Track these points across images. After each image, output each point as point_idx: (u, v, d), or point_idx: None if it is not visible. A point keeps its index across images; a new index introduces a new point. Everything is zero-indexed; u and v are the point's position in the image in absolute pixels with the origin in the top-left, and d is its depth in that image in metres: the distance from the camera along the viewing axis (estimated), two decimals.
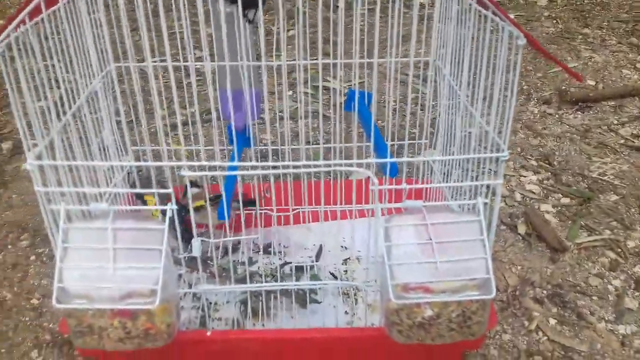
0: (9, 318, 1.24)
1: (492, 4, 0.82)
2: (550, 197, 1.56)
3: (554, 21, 2.69)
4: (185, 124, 1.87)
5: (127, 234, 0.88)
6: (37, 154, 0.88)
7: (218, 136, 1.18)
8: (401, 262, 0.87)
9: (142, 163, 0.99)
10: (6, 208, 1.60)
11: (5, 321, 1.23)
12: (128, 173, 1.22)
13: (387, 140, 1.26)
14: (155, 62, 1.04)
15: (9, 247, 1.45)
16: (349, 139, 1.76)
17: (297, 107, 1.90)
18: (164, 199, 1.11)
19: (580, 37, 2.54)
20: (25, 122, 0.85)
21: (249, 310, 1.11)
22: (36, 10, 0.84)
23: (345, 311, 1.14)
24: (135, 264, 0.85)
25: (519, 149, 1.76)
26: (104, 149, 1.18)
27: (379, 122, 1.89)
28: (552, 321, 1.20)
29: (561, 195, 1.57)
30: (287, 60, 1.13)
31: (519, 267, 1.33)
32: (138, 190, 0.98)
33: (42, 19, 0.86)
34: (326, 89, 2.05)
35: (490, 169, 0.94)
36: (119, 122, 1.22)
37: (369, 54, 1.22)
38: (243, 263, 1.22)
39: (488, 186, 0.93)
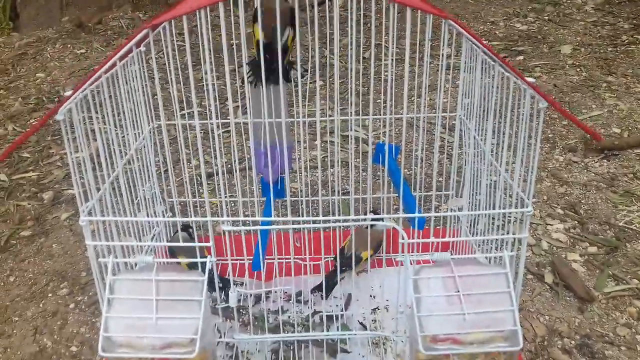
0: None
1: (515, 72, 0.87)
2: (577, 246, 1.57)
3: (578, 69, 2.73)
4: (217, 174, 1.94)
5: (168, 285, 0.93)
6: (89, 210, 0.94)
7: (251, 187, 1.24)
8: (430, 314, 0.89)
9: (185, 219, 1.05)
10: (47, 257, 1.67)
11: None
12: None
13: (414, 191, 1.30)
14: (192, 120, 1.11)
15: (49, 295, 1.51)
16: (376, 187, 1.81)
17: (326, 157, 1.96)
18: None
19: (604, 85, 2.57)
20: (76, 177, 0.92)
21: (281, 359, 1.14)
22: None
23: None
24: (176, 315, 0.90)
25: (544, 197, 1.78)
26: (145, 199, 1.25)
27: (406, 170, 1.94)
28: None
29: (588, 244, 1.58)
30: (318, 115, 1.19)
31: (546, 317, 1.34)
32: (179, 244, 1.03)
33: (102, 84, 0.93)
34: (355, 138, 2.11)
35: (516, 218, 0.98)
36: (159, 174, 1.29)
37: (396, 104, 1.27)
38: (275, 312, 1.26)
39: (513, 238, 0.96)
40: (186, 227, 1.30)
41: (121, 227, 1.06)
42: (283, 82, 1.12)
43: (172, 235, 1.32)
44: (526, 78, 0.85)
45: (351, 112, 1.26)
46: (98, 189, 0.98)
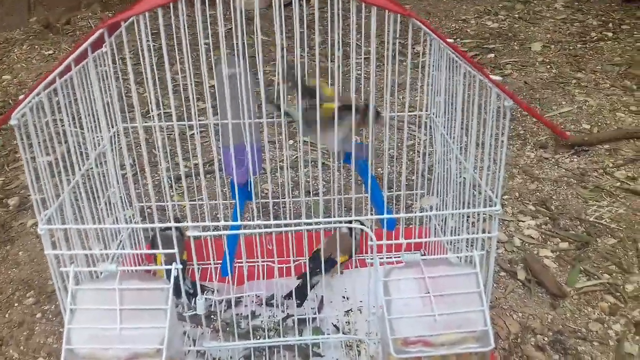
0: None
1: (480, 71, 0.87)
2: (549, 242, 1.58)
3: (548, 66, 2.76)
4: (187, 176, 1.91)
5: (133, 294, 0.90)
6: (48, 218, 0.91)
7: (220, 189, 1.21)
8: (400, 316, 0.88)
9: (148, 225, 1.02)
10: (12, 265, 1.62)
11: None
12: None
13: (384, 190, 1.30)
14: (160, 120, 1.08)
15: (15, 304, 1.46)
16: (347, 187, 1.80)
17: (297, 157, 1.94)
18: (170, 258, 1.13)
19: (574, 81, 2.60)
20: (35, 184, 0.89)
21: None
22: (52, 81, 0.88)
23: None
24: (141, 324, 0.87)
25: (516, 194, 1.79)
26: (109, 205, 1.22)
27: (379, 169, 1.93)
28: None
29: (559, 240, 1.59)
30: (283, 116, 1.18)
31: (519, 314, 1.34)
32: (143, 251, 1.00)
33: (55, 89, 0.90)
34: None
35: (480, 220, 0.97)
36: (124, 178, 1.26)
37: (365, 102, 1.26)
38: (246, 317, 1.24)
39: (475, 241, 0.96)
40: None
41: (84, 235, 1.03)
42: (250, 82, 1.10)
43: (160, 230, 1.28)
44: (491, 76, 0.85)
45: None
46: (58, 196, 0.95)
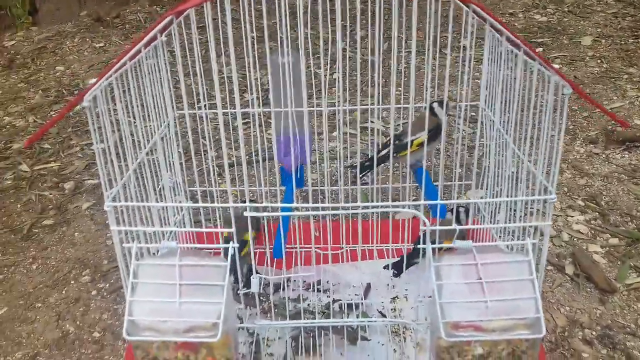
0: (73, 351, 1.31)
1: (538, 56, 0.87)
2: (598, 238, 1.56)
3: (599, 61, 2.70)
4: (238, 164, 1.94)
5: (191, 270, 0.94)
6: (113, 196, 0.95)
7: (271, 176, 1.24)
8: (452, 301, 0.89)
9: (209, 205, 1.06)
10: (69, 245, 1.69)
11: (69, 353, 1.30)
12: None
13: (435, 182, 1.30)
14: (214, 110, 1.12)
15: (72, 282, 1.53)
16: (396, 178, 1.80)
17: (343, 148, 1.96)
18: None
19: (625, 76, 2.54)
20: (101, 165, 0.93)
21: (300, 346, 1.15)
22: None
23: (394, 349, 1.16)
24: (199, 299, 0.91)
25: (565, 189, 1.77)
26: (164, 189, 1.26)
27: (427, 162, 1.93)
28: None
29: (609, 236, 1.56)
30: (330, 105, 1.20)
31: (567, 308, 1.33)
32: (203, 229, 1.04)
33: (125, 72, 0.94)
34: (370, 129, 2.11)
35: (537, 209, 0.97)
36: (181, 164, 1.30)
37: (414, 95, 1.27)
38: (294, 300, 1.27)
39: (535, 227, 0.95)
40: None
41: (144, 214, 1.07)
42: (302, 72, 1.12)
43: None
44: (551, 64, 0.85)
45: (371, 102, 1.26)
46: (122, 177, 0.99)
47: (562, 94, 0.86)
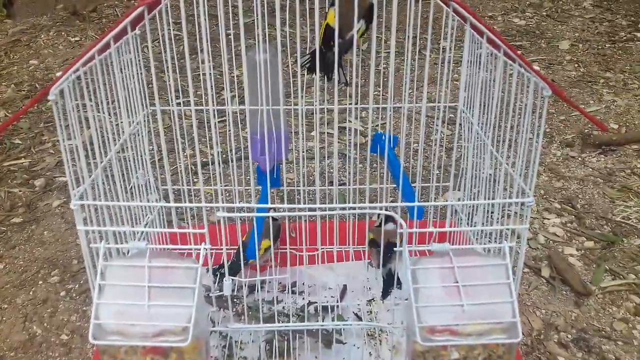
0: (39, 353, 1.27)
1: (518, 56, 0.86)
2: (574, 241, 1.57)
3: (576, 65, 2.73)
4: (212, 163, 1.92)
5: (162, 271, 0.91)
6: (80, 194, 0.92)
7: (246, 176, 1.22)
8: (428, 305, 0.88)
9: (180, 205, 1.03)
10: (38, 244, 1.64)
11: (35, 356, 1.26)
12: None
13: (412, 183, 1.29)
14: (186, 106, 1.09)
15: (40, 282, 1.48)
16: (372, 178, 1.79)
17: (320, 148, 1.94)
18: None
19: (602, 80, 2.56)
20: (68, 163, 0.89)
21: (274, 349, 1.13)
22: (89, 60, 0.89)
23: (370, 352, 1.15)
24: (169, 302, 0.88)
25: (542, 192, 1.78)
26: (137, 187, 1.23)
27: (404, 163, 1.92)
28: None
29: (585, 239, 1.57)
30: (308, 104, 1.18)
31: (543, 311, 1.33)
32: (172, 230, 1.01)
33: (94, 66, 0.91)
34: (348, 129, 2.09)
35: (515, 212, 0.96)
36: (152, 162, 1.27)
37: (393, 96, 1.26)
38: (269, 302, 1.24)
39: (513, 230, 0.94)
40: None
41: (114, 214, 1.04)
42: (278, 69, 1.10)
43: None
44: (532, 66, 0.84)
45: (350, 102, 1.24)
46: (90, 175, 0.96)
47: (542, 96, 0.85)
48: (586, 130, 2.14)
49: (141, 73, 1.15)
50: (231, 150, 1.19)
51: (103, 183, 0.99)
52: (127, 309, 0.88)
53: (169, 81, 1.14)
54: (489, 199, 1.11)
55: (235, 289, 1.23)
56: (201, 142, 2.01)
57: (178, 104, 1.23)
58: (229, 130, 1.12)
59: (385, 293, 1.23)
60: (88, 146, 0.94)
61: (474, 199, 1.21)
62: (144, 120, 1.22)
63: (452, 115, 2.00)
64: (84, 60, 0.86)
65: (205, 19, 0.94)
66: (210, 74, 0.88)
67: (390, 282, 1.22)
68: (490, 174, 1.11)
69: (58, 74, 0.85)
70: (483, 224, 1.14)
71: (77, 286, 1.46)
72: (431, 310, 0.88)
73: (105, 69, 0.95)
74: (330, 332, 1.15)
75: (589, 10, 3.38)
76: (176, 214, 1.34)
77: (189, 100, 0.96)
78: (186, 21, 0.87)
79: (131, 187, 1.16)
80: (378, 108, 1.43)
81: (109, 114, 1.01)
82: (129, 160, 1.15)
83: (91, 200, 0.95)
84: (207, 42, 0.92)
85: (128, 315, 0.88)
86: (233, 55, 1.12)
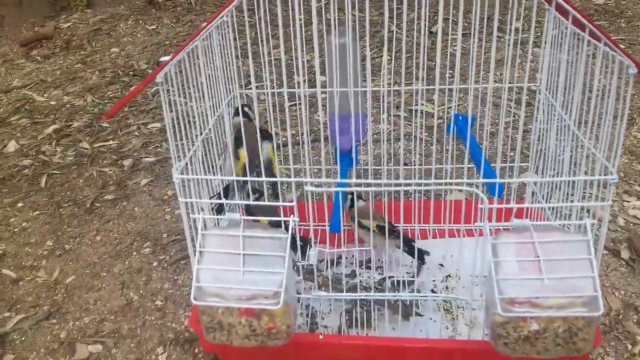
0: (137, 317, 1.38)
1: (604, 35, 0.87)
2: None
3: None
4: (299, 144, 1.97)
5: (254, 241, 0.98)
6: (181, 169, 1.00)
7: (325, 155, 1.27)
8: (508, 278, 0.91)
9: (272, 179, 1.10)
10: (129, 219, 1.76)
11: (133, 320, 1.37)
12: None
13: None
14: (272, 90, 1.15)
15: (134, 254, 1.60)
16: (445, 160, 1.81)
17: (392, 130, 1.97)
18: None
19: None
20: (172, 139, 0.97)
21: (354, 319, 1.18)
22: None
23: (446, 326, 1.19)
24: (262, 269, 0.95)
25: (622, 174, 1.74)
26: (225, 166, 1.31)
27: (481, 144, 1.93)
28: None
29: None
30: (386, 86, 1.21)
31: (622, 292, 1.32)
32: (266, 203, 1.08)
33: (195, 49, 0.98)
34: (421, 112, 2.11)
35: (592, 194, 0.97)
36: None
37: (464, 78, 1.27)
38: (348, 275, 1.30)
39: (589, 210, 0.95)
40: (243, 111, 1.27)
41: (209, 188, 1.12)
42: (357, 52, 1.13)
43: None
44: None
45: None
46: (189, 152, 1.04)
47: (627, 75, 0.85)
48: None
49: (231, 59, 1.22)
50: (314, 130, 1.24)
51: (201, 158, 1.08)
52: (224, 274, 0.96)
53: (261, 65, 1.20)
54: (570, 181, 1.11)
55: (318, 262, 1.29)
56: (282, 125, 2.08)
57: (265, 88, 1.30)
58: (301, 114, 1.17)
59: (421, 257, 1.28)
60: (185, 127, 1.02)
61: (553, 182, 1.21)
62: (232, 101, 1.29)
63: (528, 97, 1.98)
64: (186, 49, 0.93)
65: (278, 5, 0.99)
66: (299, 58, 0.93)
67: (415, 250, 1.26)
68: (571, 156, 1.12)
69: (164, 58, 0.93)
70: (563, 202, 1.14)
71: (167, 257, 1.56)
72: (511, 283, 0.91)
73: (203, 54, 1.03)
74: (408, 305, 1.19)
75: None
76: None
77: (274, 85, 1.02)
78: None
79: (221, 165, 1.24)
80: (451, 90, 1.44)
81: (207, 96, 1.08)
82: (222, 139, 1.23)
83: (191, 174, 1.03)
84: (280, 27, 0.97)
85: (225, 280, 0.96)
86: (304, 40, 1.17)
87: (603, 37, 0.89)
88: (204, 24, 1.01)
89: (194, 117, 1.05)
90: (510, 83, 1.29)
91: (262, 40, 1.14)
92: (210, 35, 1.11)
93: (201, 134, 1.09)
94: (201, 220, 1.00)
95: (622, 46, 0.85)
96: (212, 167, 1.17)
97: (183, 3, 3.86)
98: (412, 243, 1.27)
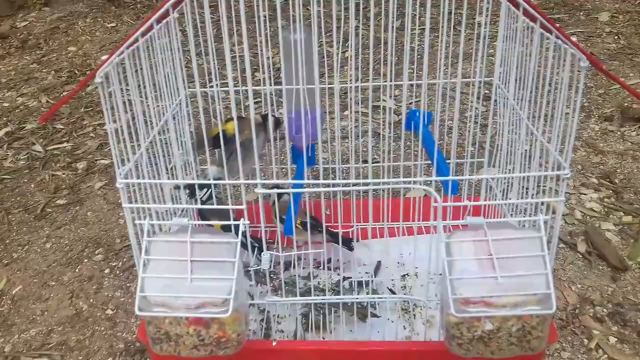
0: (86, 327, 1.33)
1: (555, 27, 0.85)
2: (611, 216, 1.55)
3: (616, 37, 2.65)
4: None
5: (203, 247, 0.94)
6: (125, 174, 0.95)
7: (282, 155, 1.24)
8: (462, 277, 0.89)
9: (220, 181, 1.06)
10: (82, 224, 1.71)
11: (82, 330, 1.32)
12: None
13: (447, 159, 1.29)
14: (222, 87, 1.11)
15: (85, 260, 1.55)
16: (406, 156, 1.80)
17: (352, 127, 1.95)
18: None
19: None
20: (114, 144, 0.93)
21: (310, 322, 1.16)
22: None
23: (404, 326, 1.17)
24: (210, 275, 0.91)
25: (579, 167, 1.75)
26: (175, 169, 1.26)
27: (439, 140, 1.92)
28: (612, 339, 1.19)
29: (622, 214, 1.55)
30: (342, 83, 1.19)
31: (578, 286, 1.32)
32: (215, 206, 1.04)
33: (138, 48, 0.93)
34: (382, 107, 2.09)
35: (550, 188, 0.96)
36: (193, 143, 1.30)
37: (427, 73, 1.26)
38: (304, 277, 1.27)
39: (547, 205, 0.94)
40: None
41: (156, 192, 1.07)
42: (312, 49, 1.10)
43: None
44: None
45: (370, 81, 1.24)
46: (134, 155, 0.99)
47: (579, 69, 0.84)
48: (625, 104, 2.09)
49: (181, 55, 1.18)
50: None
51: (146, 162, 1.03)
52: (171, 283, 0.92)
53: (208, 63, 1.16)
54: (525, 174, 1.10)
55: (272, 265, 1.26)
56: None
57: (216, 86, 1.26)
58: (265, 111, 1.14)
59: (347, 244, 1.27)
60: (132, 128, 0.98)
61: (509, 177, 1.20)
62: (185, 102, 1.25)
63: (488, 92, 1.98)
64: (128, 43, 0.89)
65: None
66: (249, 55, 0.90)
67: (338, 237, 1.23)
68: (525, 150, 1.11)
69: (103, 57, 0.88)
70: (517, 199, 1.14)
71: (120, 264, 1.51)
72: (465, 283, 0.89)
73: (147, 53, 0.98)
74: (365, 306, 1.17)
75: None
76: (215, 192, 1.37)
77: (226, 83, 0.98)
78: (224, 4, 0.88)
79: (172, 167, 1.20)
80: (412, 85, 1.43)
81: (151, 97, 1.04)
82: (170, 142, 1.18)
83: (135, 179, 0.98)
84: (243, 23, 0.94)
85: (172, 288, 0.92)
86: (268, 36, 1.14)
87: (554, 30, 0.87)
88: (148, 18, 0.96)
89: (144, 117, 1.01)
90: (466, 78, 1.28)
91: (208, 39, 1.11)
92: (160, 32, 1.06)
93: (148, 137, 1.04)
94: (146, 226, 0.95)
95: (574, 39, 0.84)
96: (166, 170, 1.12)
97: (143, 0, 3.78)
98: (335, 233, 1.25)
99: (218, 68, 1.16)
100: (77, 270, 1.51)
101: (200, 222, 1.24)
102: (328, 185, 0.97)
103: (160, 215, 1.07)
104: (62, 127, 2.31)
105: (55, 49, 3.20)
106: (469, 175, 1.44)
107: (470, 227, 0.94)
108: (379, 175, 1.29)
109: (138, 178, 1.00)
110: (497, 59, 1.24)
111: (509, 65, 1.16)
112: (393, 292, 1.25)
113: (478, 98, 1.83)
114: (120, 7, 3.71)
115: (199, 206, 1.02)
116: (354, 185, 0.96)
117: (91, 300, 1.40)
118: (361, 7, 1.14)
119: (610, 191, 1.64)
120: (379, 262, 1.32)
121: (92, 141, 2.18)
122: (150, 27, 0.94)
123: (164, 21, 1.04)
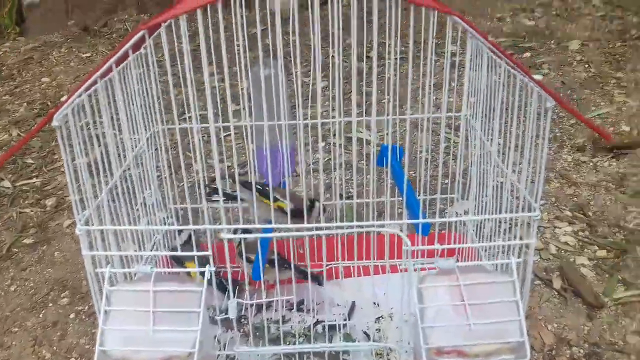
0: None
1: (522, 69, 0.85)
2: (586, 250, 1.54)
3: (586, 65, 2.69)
4: (222, 178, 1.90)
5: (167, 296, 0.90)
6: (86, 219, 0.92)
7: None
8: (434, 325, 0.87)
9: (183, 227, 1.03)
10: (48, 265, 1.65)
11: None
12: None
13: (418, 194, 1.28)
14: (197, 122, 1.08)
15: (50, 305, 1.49)
16: (381, 189, 1.78)
17: (329, 159, 1.93)
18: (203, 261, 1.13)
19: (613, 81, 2.52)
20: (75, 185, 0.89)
21: None
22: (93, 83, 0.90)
23: None
24: (174, 327, 0.88)
25: (553, 199, 1.75)
26: (145, 207, 1.23)
27: (412, 172, 1.91)
28: None
29: (597, 248, 1.54)
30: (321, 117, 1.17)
31: (555, 325, 1.30)
32: (179, 253, 1.01)
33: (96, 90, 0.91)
34: (359, 139, 2.08)
35: (523, 222, 0.95)
36: (159, 179, 1.27)
37: (401, 103, 1.25)
38: (276, 321, 1.24)
39: (519, 246, 0.93)
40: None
41: (120, 235, 1.04)
42: (283, 84, 1.09)
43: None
44: (533, 76, 0.83)
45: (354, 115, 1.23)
46: (96, 197, 0.96)
47: (545, 108, 0.84)
48: (597, 134, 2.10)
49: (144, 95, 1.15)
50: (238, 165, 1.19)
51: (109, 206, 1.00)
52: (133, 335, 0.88)
53: (175, 97, 1.14)
54: (497, 208, 1.09)
55: (242, 309, 1.22)
56: (209, 157, 2.01)
57: (183, 121, 1.23)
58: (233, 147, 1.10)
59: (317, 280, 1.27)
60: (94, 169, 0.94)
61: (483, 208, 1.19)
62: (152, 139, 1.22)
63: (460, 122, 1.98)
64: (86, 85, 0.86)
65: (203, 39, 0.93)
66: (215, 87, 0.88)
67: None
68: (496, 183, 1.10)
69: (63, 98, 0.86)
70: (490, 236, 1.12)
71: (86, 308, 1.46)
72: (438, 330, 0.87)
73: (108, 94, 0.95)
74: (337, 353, 1.14)
75: (599, 8, 3.33)
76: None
77: (194, 118, 0.96)
78: (188, 39, 0.86)
79: (138, 208, 1.16)
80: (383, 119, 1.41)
81: (114, 136, 1.00)
82: (135, 181, 1.15)
83: (97, 223, 0.95)
84: (205, 59, 0.92)
85: (133, 341, 0.88)
86: (239, 69, 1.12)
87: (520, 70, 0.87)
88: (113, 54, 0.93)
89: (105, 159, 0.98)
90: (438, 109, 1.27)
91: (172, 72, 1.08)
92: (123, 69, 1.04)
93: (111, 176, 1.01)
94: (107, 275, 0.92)
95: (539, 77, 0.83)
96: (127, 213, 1.09)
97: (120, 29, 3.76)
98: (304, 269, 1.23)
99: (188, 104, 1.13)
100: (41, 316, 1.45)
101: (167, 269, 1.20)
102: (295, 230, 0.94)
103: (125, 261, 1.04)
104: (32, 161, 2.26)
105: (29, 80, 3.15)
106: (442, 209, 1.43)
107: (441, 271, 0.92)
108: (353, 211, 1.26)
109: (100, 222, 0.97)
110: (464, 91, 1.24)
111: (477, 96, 1.16)
112: (368, 336, 1.21)
113: (451, 129, 1.83)
114: (95, 37, 3.68)
115: (162, 253, 0.98)
116: (321, 229, 0.94)
117: (54, 347, 1.35)
118: (340, 38, 1.12)
119: (584, 224, 1.64)
120: (353, 303, 1.29)
121: (62, 176, 2.13)
122: (110, 69, 0.92)
123: (125, 62, 1.02)
